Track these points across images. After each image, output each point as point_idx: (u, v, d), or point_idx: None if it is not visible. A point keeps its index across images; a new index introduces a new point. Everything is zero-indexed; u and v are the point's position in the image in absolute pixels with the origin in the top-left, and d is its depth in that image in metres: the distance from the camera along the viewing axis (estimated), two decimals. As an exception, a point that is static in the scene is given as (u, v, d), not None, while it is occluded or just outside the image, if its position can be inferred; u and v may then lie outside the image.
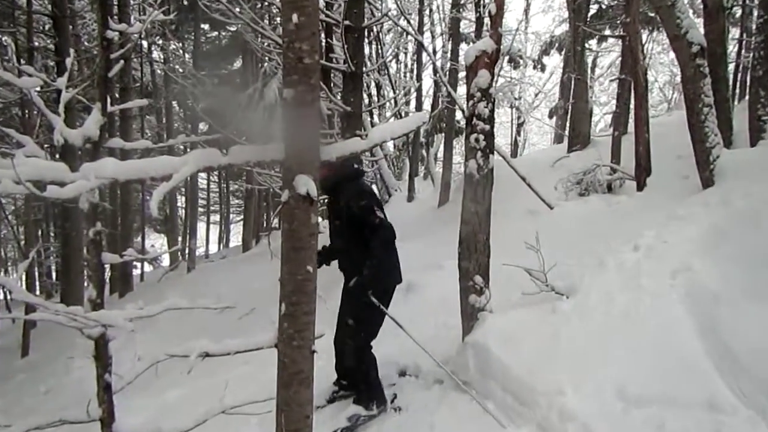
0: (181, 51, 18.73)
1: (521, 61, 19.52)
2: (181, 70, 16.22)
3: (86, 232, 2.72)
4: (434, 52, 18.82)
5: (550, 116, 20.19)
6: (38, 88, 2.85)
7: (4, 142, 12.23)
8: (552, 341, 3.86)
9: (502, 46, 4.96)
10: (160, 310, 2.64)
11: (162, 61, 18.81)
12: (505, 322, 4.16)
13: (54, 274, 20.52)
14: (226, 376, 5.42)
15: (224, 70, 19.05)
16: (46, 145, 10.11)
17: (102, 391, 2.66)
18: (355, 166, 4.14)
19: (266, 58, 11.97)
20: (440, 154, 15.72)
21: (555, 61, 25.61)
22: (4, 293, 14.12)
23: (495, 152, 4.53)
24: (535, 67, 20.26)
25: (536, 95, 24.67)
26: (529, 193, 7.96)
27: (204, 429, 2.77)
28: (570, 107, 12.30)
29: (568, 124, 13.85)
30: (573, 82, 11.85)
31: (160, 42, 17.68)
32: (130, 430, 2.73)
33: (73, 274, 11.41)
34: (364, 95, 15.31)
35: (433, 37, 19.61)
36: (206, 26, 18.01)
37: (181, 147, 14.27)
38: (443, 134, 13.66)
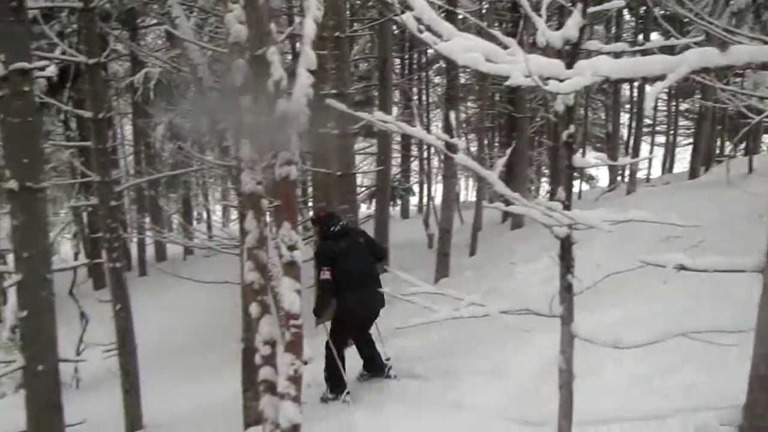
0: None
1: None
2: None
3: (561, 134, 2.90)
4: None
5: None
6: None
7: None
8: None
9: None
10: (626, 219, 2.71)
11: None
12: None
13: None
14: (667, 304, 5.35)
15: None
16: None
17: (564, 291, 2.90)
18: (332, 228, 5.96)
19: None
20: None
21: None
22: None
23: None
24: None
25: None
26: None
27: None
28: None
29: None
30: None
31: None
32: (586, 330, 2.92)
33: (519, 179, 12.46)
34: None
35: None
36: None
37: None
38: None
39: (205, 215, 24.36)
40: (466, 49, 1.98)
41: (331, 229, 5.96)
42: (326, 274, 5.75)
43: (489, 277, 9.04)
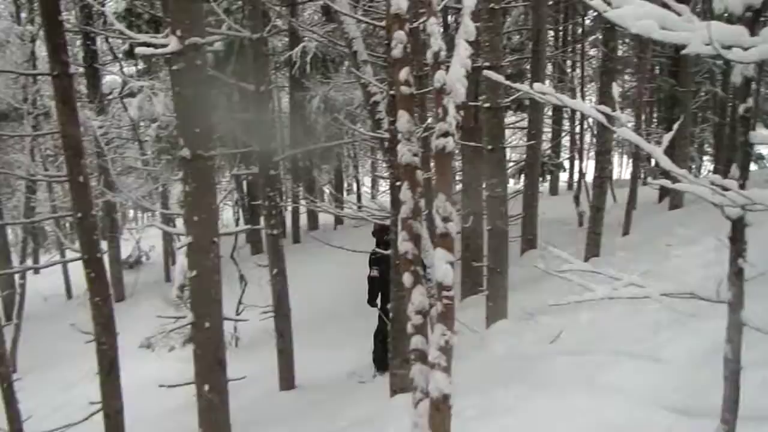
0: None
1: None
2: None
3: (737, 108, 2.70)
4: None
5: None
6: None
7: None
8: None
9: None
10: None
11: None
12: None
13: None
14: None
15: None
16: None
17: (733, 276, 2.72)
18: (384, 238, 7.41)
19: None
20: None
21: None
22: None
23: None
24: None
25: None
26: None
27: None
28: None
29: None
30: None
31: None
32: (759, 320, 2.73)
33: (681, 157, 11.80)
34: None
35: None
36: None
37: None
38: None
39: (354, 187, 25.04)
40: (638, 16, 1.88)
41: (384, 238, 7.56)
42: (374, 272, 7.89)
43: (643, 258, 8.62)
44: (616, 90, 6.67)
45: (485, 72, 2.59)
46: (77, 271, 9.44)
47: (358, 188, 24.60)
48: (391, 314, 6.62)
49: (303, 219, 19.09)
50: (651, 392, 4.46)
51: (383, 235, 7.64)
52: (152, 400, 7.92)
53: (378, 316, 7.93)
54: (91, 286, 6.89)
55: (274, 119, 12.53)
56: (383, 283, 7.19)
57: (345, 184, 24.26)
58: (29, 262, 18.53)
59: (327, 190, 22.57)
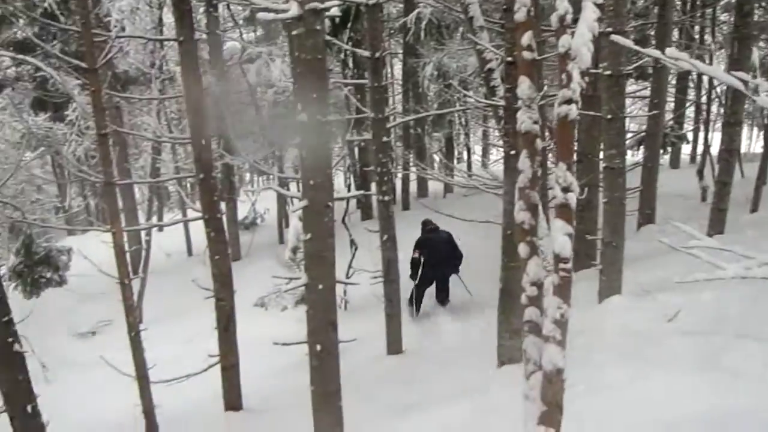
0: None
1: None
2: None
3: None
4: None
5: None
6: None
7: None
8: None
9: None
10: None
11: None
12: None
13: None
14: None
15: None
16: None
17: None
18: (427, 227, 10.18)
19: None
20: None
21: None
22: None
23: None
24: None
25: None
26: None
27: None
28: None
29: None
30: None
31: None
32: None
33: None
34: None
35: None
36: None
37: None
38: None
39: (465, 155, 24.83)
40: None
41: (426, 228, 10.17)
42: (416, 254, 9.70)
43: (776, 237, 8.11)
44: (756, 55, 6.22)
45: (612, 36, 2.48)
46: (198, 231, 9.94)
47: (469, 156, 24.36)
48: (500, 285, 6.56)
49: (413, 186, 19.16)
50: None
51: (427, 226, 10.18)
52: (265, 356, 8.26)
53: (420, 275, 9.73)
54: (211, 244, 7.23)
55: (387, 86, 12.57)
56: (422, 263, 9.63)
57: (455, 152, 24.08)
58: (154, 219, 19.63)
59: (437, 157, 22.50)
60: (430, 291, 10.09)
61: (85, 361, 10.21)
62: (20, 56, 11.25)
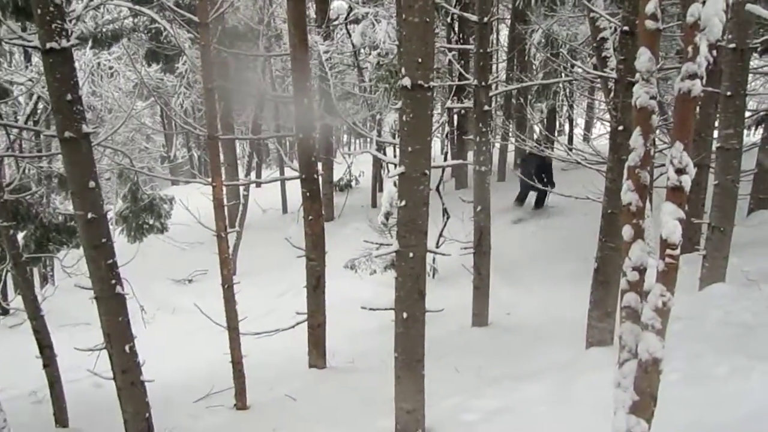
0: None
1: None
2: None
3: None
4: None
5: None
6: None
7: None
8: None
9: None
10: None
11: None
12: None
13: None
14: None
15: None
16: None
17: None
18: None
19: None
20: None
21: None
22: None
23: None
24: None
25: None
26: None
27: None
28: None
29: None
30: None
31: None
32: None
33: None
34: None
35: None
36: None
37: None
38: None
39: (567, 127, 24.09)
40: None
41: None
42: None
43: None
44: None
45: (749, 6, 2.27)
46: (294, 189, 10.11)
47: (571, 129, 23.62)
48: (595, 265, 6.36)
49: (510, 157, 18.79)
50: None
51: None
52: (352, 318, 8.37)
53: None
54: (306, 204, 7.33)
55: (492, 53, 12.28)
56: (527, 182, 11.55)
57: (557, 124, 23.39)
58: (253, 175, 20.16)
59: (538, 128, 21.95)
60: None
61: (182, 306, 10.69)
62: (137, 7, 11.66)
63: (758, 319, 5.63)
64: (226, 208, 6.85)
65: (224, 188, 6.92)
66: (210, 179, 6.69)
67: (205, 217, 7.44)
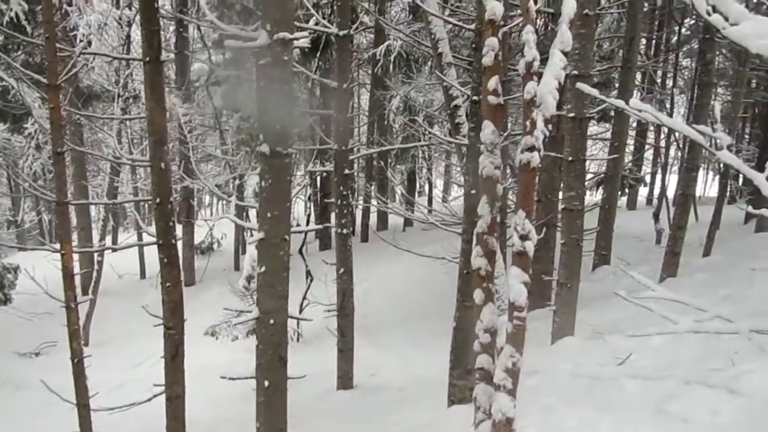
0: None
1: None
2: None
3: None
4: None
5: None
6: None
7: None
8: None
9: None
10: None
11: None
12: None
13: None
14: None
15: None
16: None
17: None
18: None
19: None
20: None
21: None
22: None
23: None
24: None
25: None
26: None
27: None
28: None
29: None
30: None
31: None
32: None
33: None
34: None
35: None
36: None
37: None
38: None
39: (426, 188, 24.91)
40: (761, 34, 1.71)
41: None
42: None
43: (726, 282, 8.21)
44: (717, 109, 6.36)
45: (578, 85, 2.47)
46: (152, 253, 9.68)
47: (430, 190, 24.47)
48: (454, 323, 6.50)
49: (373, 218, 19.09)
50: (726, 428, 4.18)
51: None
52: (213, 386, 8.02)
53: None
54: (163, 271, 7.01)
55: (353, 118, 12.56)
56: None
57: (417, 186, 24.15)
58: (108, 240, 19.15)
59: (399, 191, 22.55)
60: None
61: (27, 382, 9.82)
62: (-20, 65, 10.96)
63: (604, 370, 5.92)
64: (78, 276, 6.42)
65: (75, 255, 6.50)
66: (59, 246, 6.26)
67: (54, 284, 6.94)
